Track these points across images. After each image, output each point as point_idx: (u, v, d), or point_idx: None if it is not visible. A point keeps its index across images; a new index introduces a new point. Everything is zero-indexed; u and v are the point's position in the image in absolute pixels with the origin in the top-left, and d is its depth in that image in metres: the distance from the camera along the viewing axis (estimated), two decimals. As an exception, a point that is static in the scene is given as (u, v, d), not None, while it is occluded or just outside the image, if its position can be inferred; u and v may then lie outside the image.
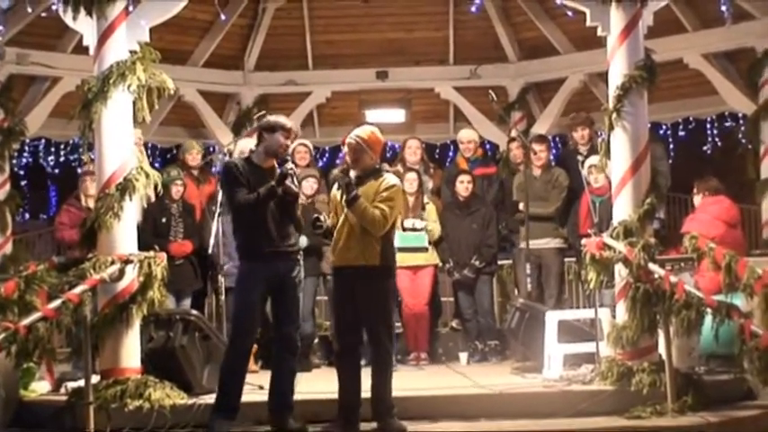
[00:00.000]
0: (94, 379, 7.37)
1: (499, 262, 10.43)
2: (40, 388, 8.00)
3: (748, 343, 6.99)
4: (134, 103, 7.73)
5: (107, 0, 7.62)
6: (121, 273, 7.51)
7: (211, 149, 12.30)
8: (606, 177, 8.86)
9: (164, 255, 7.80)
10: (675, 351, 7.48)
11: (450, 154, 13.45)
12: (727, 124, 12.72)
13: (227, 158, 9.06)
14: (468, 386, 7.98)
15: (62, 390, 7.87)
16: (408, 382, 8.01)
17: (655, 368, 7.46)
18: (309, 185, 9.51)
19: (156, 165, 12.09)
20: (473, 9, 11.09)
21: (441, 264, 10.04)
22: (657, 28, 8.26)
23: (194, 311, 8.32)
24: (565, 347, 8.29)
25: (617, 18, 7.89)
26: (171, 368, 7.69)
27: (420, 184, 9.86)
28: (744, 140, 11.24)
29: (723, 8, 10.00)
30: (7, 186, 10.44)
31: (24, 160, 13.70)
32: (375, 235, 6.91)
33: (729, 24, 10.59)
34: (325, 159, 13.71)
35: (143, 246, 7.85)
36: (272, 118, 7.24)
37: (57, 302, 7.01)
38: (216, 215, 8.94)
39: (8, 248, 10.36)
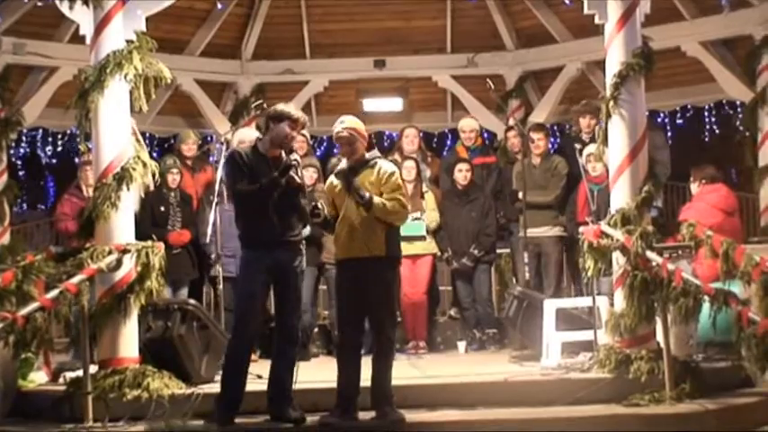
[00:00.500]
0: (93, 369, 7.38)
1: (498, 251, 10.43)
2: (38, 378, 8.00)
3: (746, 330, 6.98)
4: (131, 92, 7.71)
5: (103, -11, 7.62)
6: (119, 262, 7.51)
7: (209, 139, 12.29)
8: (604, 166, 8.86)
9: (161, 244, 7.79)
10: (673, 339, 7.49)
11: (449, 142, 13.47)
12: (725, 112, 12.71)
13: (223, 147, 9.06)
14: (467, 374, 7.98)
15: (60, 380, 7.88)
16: (407, 370, 8.01)
17: (653, 356, 7.46)
18: (309, 175, 9.51)
19: (154, 155, 12.07)
20: (471, -3, 11.09)
21: (439, 253, 10.05)
22: (655, 16, 8.25)
23: (192, 301, 8.31)
24: (563, 335, 8.29)
25: (614, 6, 7.88)
26: (169, 358, 7.69)
27: (418, 173, 9.86)
28: (742, 128, 11.24)
29: (721, -4, 10.00)
30: (5, 177, 10.43)
31: (22, 150, 13.69)
32: (399, 223, 7.00)
33: (727, 12, 10.58)
34: (322, 148, 13.71)
35: (141, 235, 7.85)
36: (281, 107, 7.14)
37: (54, 292, 7.03)
38: (213, 204, 8.94)
39: (6, 239, 10.35)
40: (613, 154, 7.93)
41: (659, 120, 12.51)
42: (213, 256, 9.11)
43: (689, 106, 12.71)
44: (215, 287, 9.43)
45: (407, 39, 12.65)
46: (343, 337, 7.16)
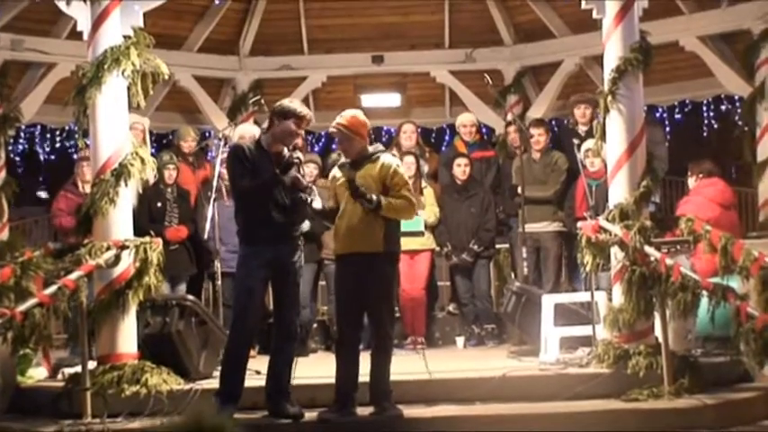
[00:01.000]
0: (91, 365, 7.40)
1: (496, 246, 10.43)
2: (37, 374, 8.01)
3: (744, 325, 6.98)
4: (129, 88, 7.71)
5: (101, -15, 7.62)
6: (117, 258, 7.51)
7: (207, 135, 12.28)
8: (602, 161, 8.86)
9: (159, 240, 7.79)
10: (672, 334, 7.50)
11: (447, 138, 13.46)
12: (724, 107, 12.71)
13: (220, 143, 9.06)
14: (465, 370, 7.98)
15: (59, 376, 7.89)
16: (405, 366, 8.01)
17: (651, 351, 7.47)
18: (309, 171, 9.50)
19: (152, 150, 12.06)
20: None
21: (438, 248, 10.04)
22: (653, 10, 8.26)
23: (191, 297, 8.33)
24: (561, 331, 8.30)
25: (612, 1, 7.87)
26: (168, 353, 7.70)
27: (417, 168, 9.86)
28: (740, 123, 11.23)
29: (719, -10, 9.99)
30: (3, 173, 10.42)
31: (20, 147, 13.69)
32: (409, 219, 7.03)
33: (725, 6, 10.56)
34: (320, 144, 13.70)
35: (138, 231, 7.85)
36: (287, 103, 7.12)
37: (53, 288, 7.02)
38: (211, 200, 8.93)
39: (4, 235, 10.35)
40: (611, 149, 7.93)
41: (657, 114, 12.49)
42: (221, 253, 9.08)
43: (687, 101, 12.69)
44: (215, 283, 9.43)
45: (405, 34, 12.63)
46: (342, 333, 7.16)
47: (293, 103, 7.17)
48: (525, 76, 12.50)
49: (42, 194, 20.32)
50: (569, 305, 8.57)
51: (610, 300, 8.03)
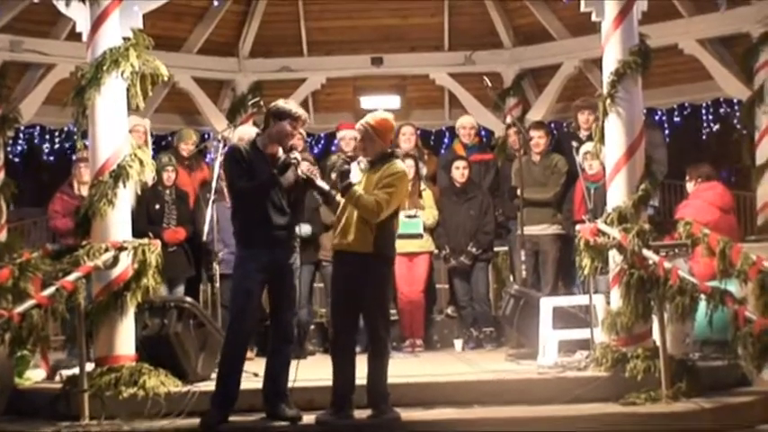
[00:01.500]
0: (89, 366, 7.38)
1: (495, 249, 10.43)
2: (34, 376, 8.00)
3: (742, 329, 6.97)
4: (128, 89, 7.71)
5: (100, -14, 7.62)
6: (116, 260, 7.51)
7: (206, 136, 12.28)
8: (601, 164, 8.86)
9: (158, 242, 7.80)
10: (670, 337, 7.48)
11: (446, 140, 13.45)
12: (723, 110, 12.70)
13: (220, 145, 9.05)
14: (463, 373, 7.98)
15: (57, 377, 7.89)
16: (403, 368, 8.01)
17: (649, 354, 7.47)
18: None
19: (151, 152, 12.06)
20: (468, -6, 11.07)
21: (436, 250, 10.04)
22: (652, 13, 8.26)
23: (189, 299, 8.32)
24: (559, 334, 8.30)
25: (611, 3, 7.88)
26: (165, 356, 7.69)
27: (417, 171, 9.82)
28: (739, 126, 11.23)
29: (718, -7, 9.99)
30: (2, 174, 10.42)
31: (19, 147, 13.69)
32: (371, 222, 6.86)
33: (724, 10, 10.56)
34: (320, 146, 13.70)
35: (136, 233, 7.85)
36: (282, 104, 7.12)
37: (51, 290, 7.01)
38: (210, 202, 8.92)
39: (3, 236, 10.35)
40: (610, 152, 7.93)
41: (656, 118, 12.49)
42: (221, 254, 9.08)
43: (686, 104, 12.69)
44: (213, 284, 9.43)
45: (405, 36, 12.64)
46: (336, 335, 7.15)
47: (288, 104, 7.17)
48: (524, 79, 12.51)
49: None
50: (568, 308, 8.57)
51: (608, 303, 8.03)
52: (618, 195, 7.82)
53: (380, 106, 12.18)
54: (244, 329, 7.05)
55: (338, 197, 7.01)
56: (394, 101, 12.61)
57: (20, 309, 6.82)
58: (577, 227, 8.00)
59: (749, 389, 7.66)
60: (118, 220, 7.66)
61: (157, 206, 9.47)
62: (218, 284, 9.01)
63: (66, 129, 12.51)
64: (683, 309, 7.19)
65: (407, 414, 7.01)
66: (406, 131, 10.48)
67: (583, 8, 8.07)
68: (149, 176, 8.17)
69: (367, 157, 7.05)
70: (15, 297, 7.26)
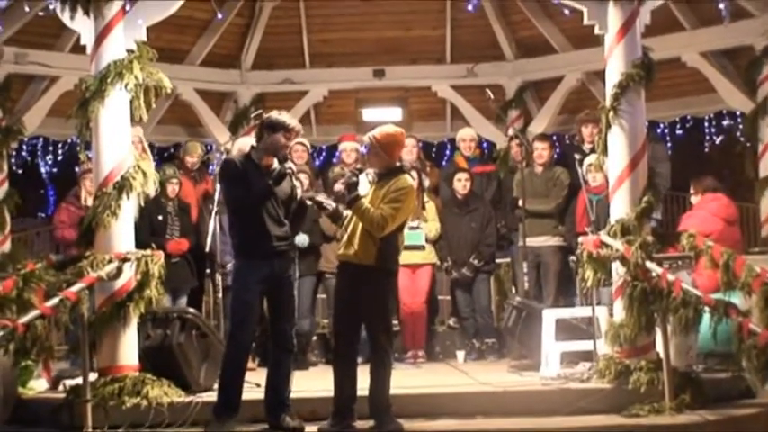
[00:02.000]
0: (92, 376, 7.38)
1: (497, 260, 10.43)
2: (37, 385, 8.01)
3: (746, 341, 6.96)
4: (131, 102, 7.73)
5: (104, -1, 7.64)
6: (119, 271, 7.52)
7: (209, 148, 12.30)
8: (603, 176, 8.87)
9: (161, 253, 7.81)
10: (673, 349, 7.49)
11: (447, 153, 13.46)
12: (726, 123, 12.71)
13: (222, 157, 9.07)
14: (466, 384, 7.98)
15: (60, 387, 7.88)
16: (405, 379, 8.00)
17: (652, 366, 7.46)
18: (304, 194, 9.49)
19: (155, 164, 12.07)
20: (470, 7, 11.07)
21: (438, 262, 10.04)
22: (655, 26, 8.27)
23: (192, 309, 8.33)
24: (562, 345, 8.29)
25: (614, 16, 7.90)
26: (168, 366, 7.69)
27: (420, 183, 9.83)
28: (742, 139, 11.24)
29: (721, 6, 9.99)
30: (5, 185, 10.44)
31: (22, 159, 13.69)
32: (375, 236, 6.86)
33: (727, 22, 10.59)
34: (321, 158, 13.71)
35: (140, 244, 7.87)
36: (275, 116, 7.12)
37: (55, 300, 7.02)
38: (213, 213, 8.93)
39: (6, 246, 10.36)
40: (613, 164, 7.94)
41: (659, 130, 12.49)
42: (229, 266, 9.07)
43: (689, 117, 12.70)
44: (216, 295, 9.44)
45: (407, 48, 12.67)
46: (338, 345, 7.17)
47: (282, 115, 7.16)
48: (526, 91, 12.53)
49: (42, 215, 20.33)
50: (570, 320, 8.56)
51: (611, 315, 8.03)
52: (621, 207, 7.83)
53: (382, 119, 12.25)
54: (244, 340, 7.06)
55: (344, 210, 7.01)
56: (396, 113, 12.64)
57: (24, 319, 6.83)
58: (580, 239, 8.00)
59: (753, 401, 7.64)
60: (121, 232, 7.68)
61: (160, 217, 9.49)
62: (220, 295, 9.00)
63: (69, 141, 12.51)
64: (686, 321, 7.18)
65: (410, 425, 7.01)
66: (408, 143, 10.40)
67: (586, 21, 8.09)
68: (152, 189, 8.18)
69: (374, 168, 7.06)
70: (19, 307, 7.27)
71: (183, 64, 12.01)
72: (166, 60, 9.70)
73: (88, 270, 7.36)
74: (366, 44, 12.55)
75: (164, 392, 7.37)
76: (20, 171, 13.14)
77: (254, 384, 7.41)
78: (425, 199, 9.92)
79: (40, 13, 9.76)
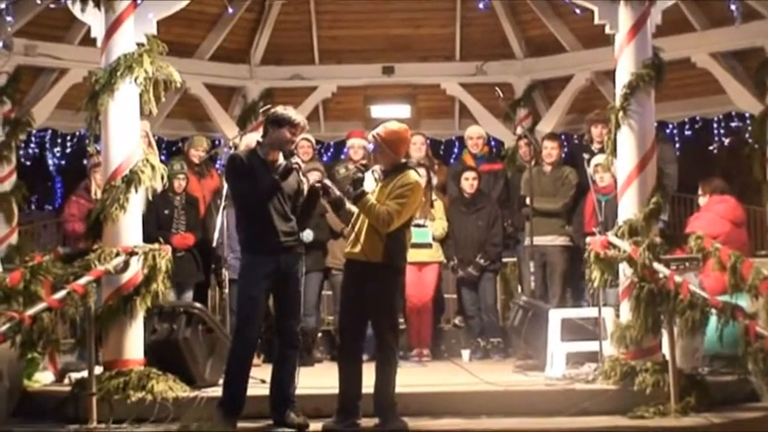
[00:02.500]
0: (98, 370, 7.39)
1: (504, 259, 10.42)
2: (43, 378, 8.02)
3: (753, 344, 6.98)
4: (140, 95, 7.73)
5: (115, -8, 7.65)
6: (126, 264, 7.54)
7: (217, 143, 12.30)
8: (612, 176, 8.86)
9: (168, 247, 7.81)
10: (679, 351, 7.48)
11: (456, 150, 13.45)
12: (734, 124, 12.67)
13: (230, 151, 9.07)
14: (471, 383, 7.98)
15: (65, 380, 7.90)
16: (410, 378, 8.00)
17: (658, 368, 7.46)
18: (313, 178, 9.49)
19: (162, 158, 12.08)
20: (481, 6, 11.06)
21: (445, 261, 10.04)
22: (665, 26, 8.25)
23: (198, 304, 8.34)
24: (568, 346, 8.28)
25: (625, 16, 7.89)
26: (174, 360, 7.71)
27: (429, 180, 9.84)
28: (750, 141, 11.20)
29: (732, 7, 9.96)
30: (13, 177, 10.46)
31: (30, 151, 13.71)
32: (381, 232, 6.86)
33: (739, 23, 10.55)
34: (329, 154, 13.70)
35: (146, 238, 7.87)
36: (280, 111, 7.11)
37: (62, 293, 7.04)
38: (221, 208, 8.94)
39: (14, 239, 10.39)
40: (622, 164, 7.93)
41: (667, 131, 12.47)
42: (230, 258, 9.12)
43: (698, 118, 12.67)
44: (222, 290, 9.45)
45: (416, 46, 12.65)
46: (344, 343, 7.18)
47: (287, 110, 7.15)
48: (535, 90, 12.50)
49: (49, 207, 20.37)
50: (576, 320, 8.55)
51: (617, 316, 8.01)
52: (629, 208, 7.82)
53: (391, 115, 12.26)
54: (250, 336, 7.05)
55: (349, 205, 7.01)
56: (404, 110, 12.62)
57: (31, 311, 6.85)
58: (588, 239, 7.99)
59: (758, 404, 7.63)
60: (129, 225, 7.69)
61: (166, 211, 9.50)
62: (227, 290, 9.01)
63: (78, 133, 12.52)
64: (693, 323, 7.18)
65: (414, 423, 7.01)
66: (416, 141, 10.48)
67: (597, 20, 8.08)
68: (159, 183, 8.18)
69: (381, 165, 7.06)
70: (26, 300, 7.28)
71: (193, 58, 12.01)
72: (176, 54, 9.68)
73: (96, 263, 7.38)
74: (375, 41, 12.53)
75: (169, 387, 7.38)
76: (27, 163, 13.17)
77: (260, 380, 7.42)
78: (433, 197, 9.93)
79: (51, 5, 9.75)
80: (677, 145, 12.54)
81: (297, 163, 7.04)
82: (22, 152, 11.29)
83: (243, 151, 7.36)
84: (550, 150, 9.93)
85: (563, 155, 10.20)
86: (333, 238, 9.70)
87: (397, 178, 6.93)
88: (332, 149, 13.75)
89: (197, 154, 10.36)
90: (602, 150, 9.03)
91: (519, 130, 11.33)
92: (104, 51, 7.78)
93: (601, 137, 9.67)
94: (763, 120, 10.60)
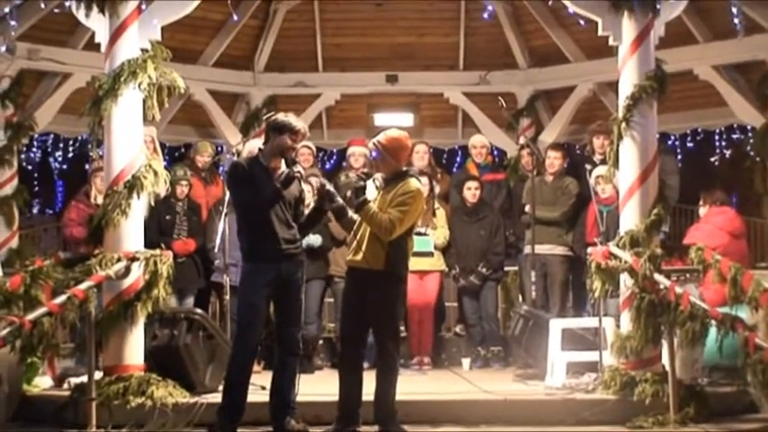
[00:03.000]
0: (97, 375, 7.39)
1: (505, 268, 10.42)
2: (42, 383, 8.01)
3: (752, 356, 6.98)
4: (144, 101, 7.74)
5: (120, -2, 7.67)
6: (127, 270, 7.54)
7: (219, 149, 12.31)
8: (614, 187, 8.87)
9: (170, 253, 7.82)
10: (679, 362, 7.48)
11: (458, 159, 13.47)
12: (736, 136, 12.68)
13: (233, 158, 9.07)
14: (471, 392, 7.98)
15: (65, 385, 7.89)
16: (411, 386, 8.00)
17: (658, 378, 7.47)
18: (316, 182, 9.49)
19: (165, 163, 12.09)
20: (485, 15, 11.09)
21: (447, 269, 10.04)
22: (668, 39, 8.28)
23: (199, 310, 8.34)
24: (568, 355, 8.29)
25: (629, 28, 7.91)
26: (174, 366, 7.71)
27: (432, 189, 9.84)
28: (752, 153, 11.22)
29: (735, 20, 9.97)
30: (15, 181, 10.47)
31: (32, 155, 13.73)
32: (383, 240, 6.87)
33: (741, 36, 10.56)
34: (332, 162, 13.72)
35: (147, 243, 7.88)
36: (281, 117, 7.11)
37: (62, 298, 7.03)
38: (223, 215, 8.94)
39: (14, 243, 10.39)
40: (624, 175, 7.94)
41: (669, 142, 12.48)
42: (217, 262, 9.16)
43: (699, 130, 12.68)
44: (219, 294, 9.44)
45: (420, 55, 12.68)
46: (345, 350, 7.18)
47: (288, 117, 7.14)
48: (538, 100, 12.52)
49: (50, 211, 20.37)
50: (577, 330, 8.55)
51: (618, 326, 8.02)
52: (630, 219, 7.83)
53: (394, 124, 12.28)
54: (250, 343, 7.05)
55: (352, 214, 7.02)
56: (407, 119, 12.65)
57: (31, 316, 6.84)
58: (589, 249, 8.00)
59: (757, 416, 7.63)
60: (131, 231, 7.70)
61: (168, 217, 9.51)
62: (227, 297, 9.00)
63: (80, 138, 12.54)
64: (693, 334, 7.19)
65: (414, 431, 7.01)
66: (419, 149, 10.50)
67: (600, 32, 8.10)
68: (162, 188, 8.19)
69: (382, 173, 7.07)
70: (26, 304, 7.29)
71: (197, 64, 12.03)
72: (179, 60, 9.71)
73: (97, 268, 7.39)
74: (379, 49, 12.55)
75: (169, 393, 7.39)
76: (29, 167, 13.19)
77: (260, 387, 7.42)
78: (436, 206, 9.94)
79: (55, 10, 9.78)
80: (679, 156, 12.54)
81: (299, 171, 7.04)
82: (24, 156, 11.29)
83: (244, 159, 7.37)
84: (553, 160, 9.94)
85: (565, 165, 10.21)
86: (335, 247, 9.70)
87: (399, 186, 6.94)
88: (335, 157, 13.77)
89: (202, 160, 10.38)
90: (603, 161, 9.05)
91: (522, 140, 11.34)
92: (108, 57, 7.79)
93: (602, 148, 9.67)
94: (764, 132, 10.62)
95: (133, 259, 7.55)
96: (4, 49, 9.99)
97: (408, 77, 12.54)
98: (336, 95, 12.62)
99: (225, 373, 7.22)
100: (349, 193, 7.05)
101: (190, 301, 9.51)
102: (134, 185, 7.65)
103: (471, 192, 10.06)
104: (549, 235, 9.70)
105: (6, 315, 7.00)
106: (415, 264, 9.36)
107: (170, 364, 7.69)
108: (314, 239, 9.10)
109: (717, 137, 12.89)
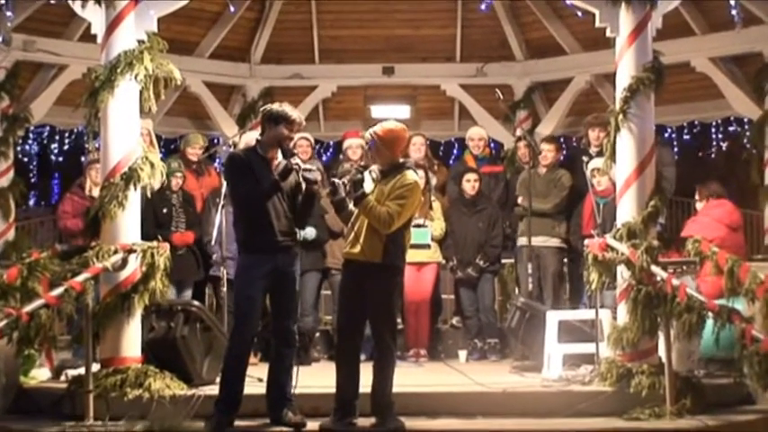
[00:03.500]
0: (95, 367, 7.39)
1: (502, 260, 10.43)
2: (39, 375, 8.01)
3: (749, 348, 6.98)
4: (140, 92, 7.73)
5: (116, -11, 7.65)
6: (124, 262, 7.53)
7: (215, 141, 12.30)
8: (610, 179, 8.87)
9: (167, 245, 7.81)
10: (675, 354, 7.50)
11: (455, 151, 13.47)
12: (733, 129, 12.71)
13: (230, 150, 9.05)
14: (467, 384, 7.98)
15: (62, 377, 7.89)
16: (407, 378, 8.01)
17: (654, 370, 7.47)
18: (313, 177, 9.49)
19: (160, 155, 12.08)
20: (482, 7, 11.09)
21: (444, 261, 10.04)
22: (665, 30, 8.26)
23: (196, 302, 8.33)
24: (565, 347, 8.29)
25: (626, 20, 7.90)
26: (171, 358, 7.70)
27: (428, 181, 9.81)
28: (748, 145, 11.23)
29: (733, 12, 9.98)
30: (11, 173, 10.45)
31: (28, 147, 13.73)
32: (382, 232, 6.86)
33: (739, 28, 10.56)
34: (329, 153, 13.72)
35: (144, 236, 7.86)
36: (277, 107, 7.09)
37: (59, 290, 7.04)
38: (219, 207, 8.93)
39: (11, 235, 10.38)
40: (621, 168, 7.94)
41: (666, 135, 12.49)
42: (215, 256, 9.15)
43: (696, 122, 12.70)
44: (216, 288, 9.43)
45: (417, 47, 12.68)
46: (342, 342, 7.18)
47: (283, 107, 7.12)
48: (535, 92, 12.52)
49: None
50: (574, 322, 8.56)
51: (614, 318, 8.03)
52: (627, 211, 7.83)
53: (391, 116, 12.25)
54: (247, 335, 7.05)
55: (350, 206, 7.01)
56: (404, 110, 12.65)
57: (28, 308, 6.84)
58: (586, 241, 8.01)
59: (754, 407, 7.64)
60: (127, 223, 7.68)
61: (165, 210, 9.48)
62: (224, 289, 8.99)
63: (76, 130, 12.52)
64: (689, 326, 7.19)
65: (411, 423, 7.02)
66: (416, 141, 10.48)
67: (598, 23, 8.09)
68: (158, 181, 8.18)
69: (378, 165, 7.06)
70: (23, 296, 7.27)
71: (193, 56, 12.02)
72: (176, 52, 9.66)
73: (94, 261, 7.37)
74: (376, 41, 12.55)
75: (166, 385, 7.38)
76: (25, 159, 13.17)
77: (257, 379, 7.42)
78: (432, 198, 9.92)
79: (51, 1, 9.76)
80: (675, 149, 12.56)
81: (297, 164, 7.03)
82: (20, 148, 11.27)
83: (242, 150, 7.37)
84: (546, 153, 9.94)
85: (561, 158, 10.20)
86: (332, 239, 9.70)
87: (396, 179, 6.94)
88: (332, 149, 13.77)
89: (194, 152, 10.33)
90: (600, 153, 9.05)
91: (518, 132, 11.34)
92: (104, 48, 7.77)
93: (598, 140, 9.68)
94: (761, 125, 10.63)
95: (130, 251, 7.54)
96: (-1, 40, 9.98)
97: (405, 69, 12.54)
98: (333, 87, 12.62)
99: (222, 364, 7.23)
100: (347, 184, 7.02)
101: (188, 293, 9.49)
102: (131, 177, 7.63)
103: (471, 184, 10.06)
104: (542, 227, 9.71)
105: (3, 307, 6.99)
106: (412, 256, 9.34)
107: (167, 356, 7.68)
108: (309, 232, 9.09)
109: (714, 129, 12.91)
